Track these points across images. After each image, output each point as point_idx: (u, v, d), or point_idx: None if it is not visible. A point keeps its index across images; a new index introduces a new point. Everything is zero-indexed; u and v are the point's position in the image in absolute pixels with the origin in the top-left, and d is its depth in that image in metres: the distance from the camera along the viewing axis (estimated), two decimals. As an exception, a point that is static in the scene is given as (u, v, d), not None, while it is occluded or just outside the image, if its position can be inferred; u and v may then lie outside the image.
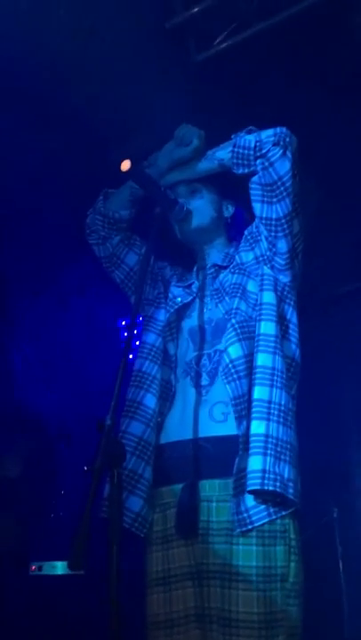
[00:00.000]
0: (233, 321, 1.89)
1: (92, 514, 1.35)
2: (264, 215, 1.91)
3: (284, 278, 1.95)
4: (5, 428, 3.98)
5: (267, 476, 1.69)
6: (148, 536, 1.86)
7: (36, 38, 2.95)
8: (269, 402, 1.77)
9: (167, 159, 2.09)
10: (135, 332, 2.45)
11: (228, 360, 1.84)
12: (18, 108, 3.20)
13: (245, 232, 2.07)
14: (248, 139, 1.91)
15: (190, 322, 2.03)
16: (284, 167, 1.85)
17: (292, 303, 1.95)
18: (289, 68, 3.21)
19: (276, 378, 1.80)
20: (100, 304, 4.67)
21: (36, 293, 4.61)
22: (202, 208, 2.09)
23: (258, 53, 3.15)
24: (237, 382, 1.81)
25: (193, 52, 3.22)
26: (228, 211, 2.15)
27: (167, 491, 1.87)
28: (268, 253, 1.95)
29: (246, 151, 1.89)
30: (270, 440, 1.73)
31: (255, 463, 1.71)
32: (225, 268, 2.05)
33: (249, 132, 1.94)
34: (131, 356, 2.36)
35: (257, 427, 1.75)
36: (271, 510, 1.72)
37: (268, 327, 1.86)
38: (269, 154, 1.85)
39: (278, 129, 1.88)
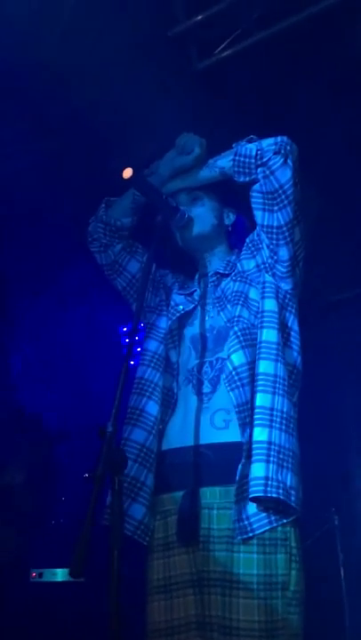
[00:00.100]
0: (235, 328, 1.89)
1: (94, 521, 1.35)
2: (265, 223, 1.92)
3: (286, 286, 1.95)
4: (7, 431, 3.98)
5: (270, 483, 1.69)
6: (149, 543, 1.86)
7: (37, 46, 2.97)
8: (272, 409, 1.78)
9: (168, 167, 2.10)
10: (137, 338, 2.46)
11: (231, 367, 1.84)
12: (19, 110, 3.22)
13: (247, 240, 2.07)
14: (249, 147, 1.92)
15: (192, 329, 2.03)
16: (285, 175, 1.86)
17: (293, 311, 1.96)
18: (290, 76, 3.22)
19: (278, 385, 1.80)
20: (100, 304, 4.67)
21: (36, 293, 4.61)
22: (203, 215, 2.10)
23: (259, 62, 3.17)
24: (241, 389, 1.81)
25: (195, 61, 3.24)
26: (230, 218, 2.16)
27: (168, 498, 1.87)
28: (269, 261, 1.95)
29: (247, 159, 1.90)
30: (273, 447, 1.73)
31: (258, 470, 1.71)
32: (227, 275, 2.06)
33: (250, 141, 1.95)
34: (132, 362, 2.37)
35: (259, 434, 1.75)
36: (272, 518, 1.72)
37: (269, 334, 1.86)
38: (270, 162, 1.86)
39: (279, 137, 1.90)
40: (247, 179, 1.92)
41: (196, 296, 2.09)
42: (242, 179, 1.93)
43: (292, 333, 1.94)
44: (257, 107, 3.28)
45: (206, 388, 1.91)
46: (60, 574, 3.51)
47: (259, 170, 1.88)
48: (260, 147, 1.90)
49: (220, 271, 2.07)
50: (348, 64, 3.19)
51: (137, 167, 1.96)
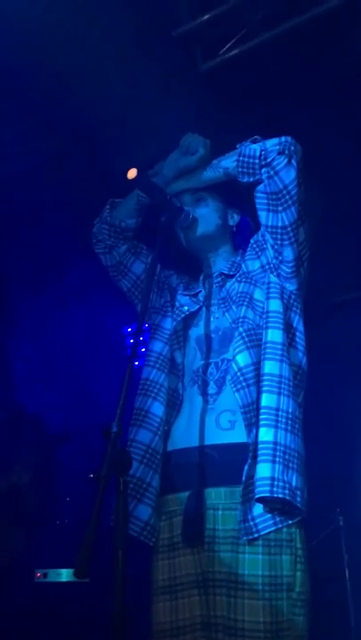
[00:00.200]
0: (241, 329, 1.89)
1: (99, 522, 1.35)
2: (270, 223, 1.91)
3: (291, 286, 1.95)
4: (10, 432, 3.98)
5: (276, 483, 1.69)
6: (154, 544, 1.86)
7: (38, 46, 2.98)
8: (277, 409, 1.78)
9: (173, 168, 2.10)
10: (141, 338, 2.46)
11: (236, 368, 1.84)
12: (19, 110, 3.23)
13: (251, 240, 2.07)
14: (253, 147, 1.91)
15: (197, 330, 2.03)
16: (289, 176, 1.86)
17: (298, 311, 1.96)
18: (294, 77, 3.23)
19: (283, 385, 1.80)
20: (100, 303, 4.68)
21: (36, 293, 4.62)
22: (207, 216, 2.10)
23: (263, 62, 3.17)
24: (246, 390, 1.81)
25: (199, 61, 3.24)
26: (234, 219, 2.15)
27: (173, 498, 1.87)
28: (274, 261, 1.95)
29: (251, 160, 1.90)
30: (279, 448, 1.73)
31: (264, 470, 1.71)
32: (231, 276, 2.06)
33: (254, 141, 1.95)
34: (137, 363, 2.37)
35: (265, 434, 1.75)
36: (277, 519, 1.72)
37: (275, 335, 1.86)
38: (274, 162, 1.86)
39: (283, 138, 1.89)
40: (251, 179, 1.92)
41: (200, 297, 2.09)
42: (246, 179, 1.93)
43: (298, 334, 1.93)
44: (261, 107, 3.28)
45: (212, 389, 1.91)
46: (65, 574, 3.51)
47: (263, 170, 1.88)
48: (264, 147, 1.89)
49: (225, 272, 2.07)
50: (352, 64, 3.19)
51: (141, 168, 1.96)
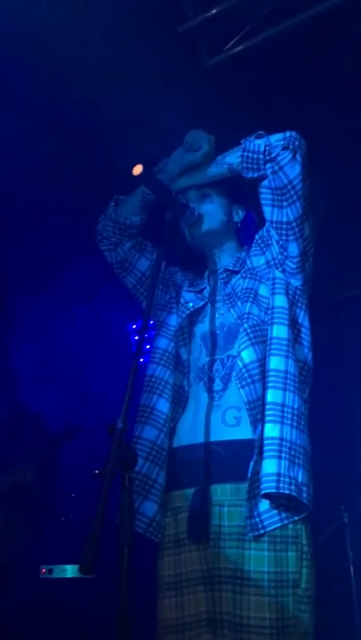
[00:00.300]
0: (245, 325, 1.89)
1: (105, 518, 1.35)
2: (275, 219, 1.91)
3: (296, 282, 1.95)
4: (13, 430, 3.99)
5: (282, 479, 1.69)
6: (160, 540, 1.86)
7: (40, 46, 2.97)
8: (283, 405, 1.77)
9: (177, 164, 2.09)
10: (146, 335, 2.46)
11: (241, 364, 1.84)
12: (19, 109, 3.22)
13: (256, 236, 2.07)
14: (257, 143, 1.91)
15: (202, 327, 2.03)
16: (293, 171, 1.85)
17: (303, 307, 1.95)
18: (299, 73, 3.21)
19: (288, 381, 1.80)
20: (100, 303, 4.68)
21: (36, 293, 4.62)
22: (212, 212, 2.10)
23: (269, 58, 3.16)
24: (251, 386, 1.81)
25: (204, 57, 3.23)
26: (239, 215, 2.15)
27: (179, 495, 1.87)
28: (279, 257, 1.95)
29: (256, 155, 1.90)
30: (285, 443, 1.73)
31: (270, 466, 1.71)
32: (236, 272, 2.05)
33: (258, 137, 1.94)
34: (142, 360, 2.37)
35: (271, 430, 1.75)
36: (283, 515, 1.72)
37: (280, 331, 1.86)
38: (279, 157, 1.85)
39: (288, 133, 1.89)
40: (256, 175, 1.91)
41: (205, 293, 2.09)
42: (250, 175, 1.93)
43: (303, 330, 1.93)
44: (266, 103, 3.27)
45: (217, 386, 1.91)
46: (70, 571, 3.52)
47: (267, 165, 1.87)
48: (268, 142, 1.89)
49: (230, 268, 2.07)
50: (356, 60, 3.18)
51: (146, 164, 1.96)
